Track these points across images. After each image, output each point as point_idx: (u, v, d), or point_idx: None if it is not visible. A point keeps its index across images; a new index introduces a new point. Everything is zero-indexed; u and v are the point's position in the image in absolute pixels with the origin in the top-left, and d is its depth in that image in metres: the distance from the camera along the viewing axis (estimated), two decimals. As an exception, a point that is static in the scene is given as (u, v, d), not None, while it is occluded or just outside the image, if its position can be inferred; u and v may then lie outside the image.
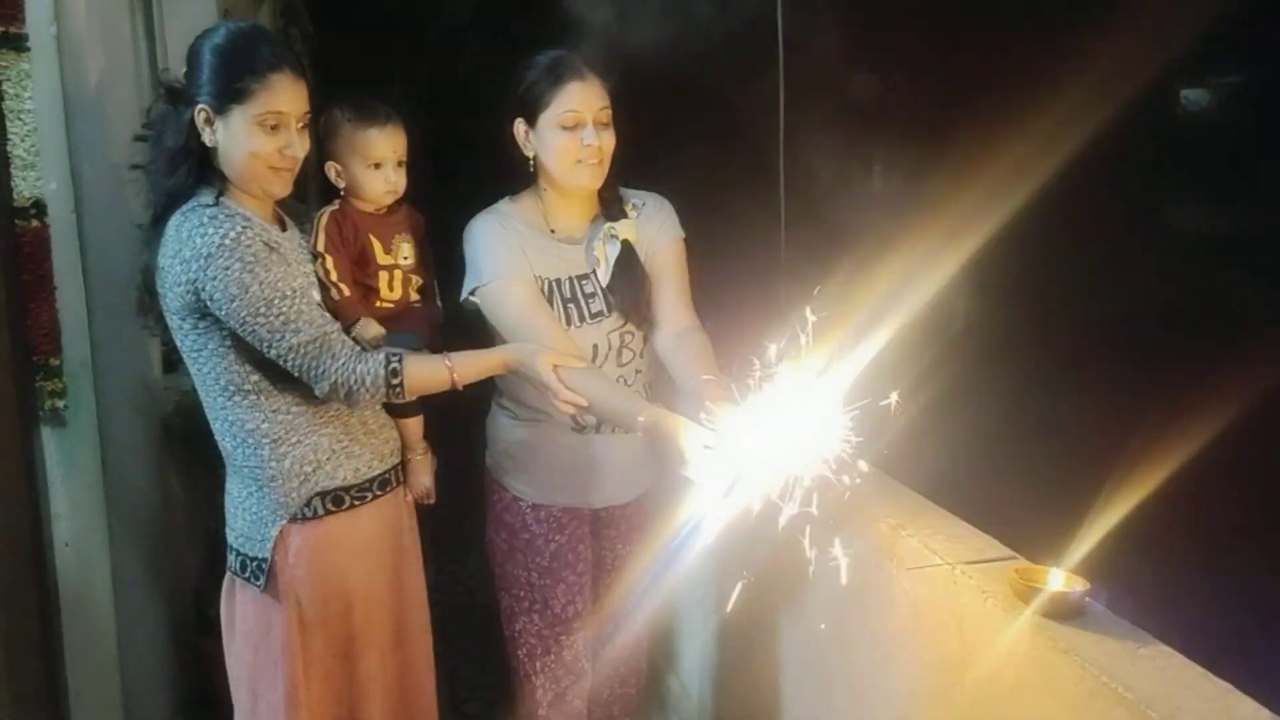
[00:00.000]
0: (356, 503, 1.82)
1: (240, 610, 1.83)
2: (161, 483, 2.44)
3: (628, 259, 1.99)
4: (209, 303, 1.62)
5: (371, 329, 1.79)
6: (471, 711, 2.86)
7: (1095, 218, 1.86)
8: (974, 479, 1.89)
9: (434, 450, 2.04)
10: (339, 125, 1.83)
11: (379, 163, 1.84)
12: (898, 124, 2.49)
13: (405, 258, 1.89)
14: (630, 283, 2.00)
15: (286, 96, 1.66)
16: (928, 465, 1.70)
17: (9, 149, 1.91)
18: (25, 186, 1.94)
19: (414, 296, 1.91)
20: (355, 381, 1.66)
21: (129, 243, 1.85)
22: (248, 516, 1.78)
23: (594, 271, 2.00)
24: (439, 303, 2.01)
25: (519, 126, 1.93)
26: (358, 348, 1.70)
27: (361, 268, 1.84)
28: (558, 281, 1.97)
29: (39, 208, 1.96)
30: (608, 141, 1.91)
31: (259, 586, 1.77)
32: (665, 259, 2.03)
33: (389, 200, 1.88)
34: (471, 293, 1.93)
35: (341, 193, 1.88)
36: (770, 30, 2.52)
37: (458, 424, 2.16)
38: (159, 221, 1.66)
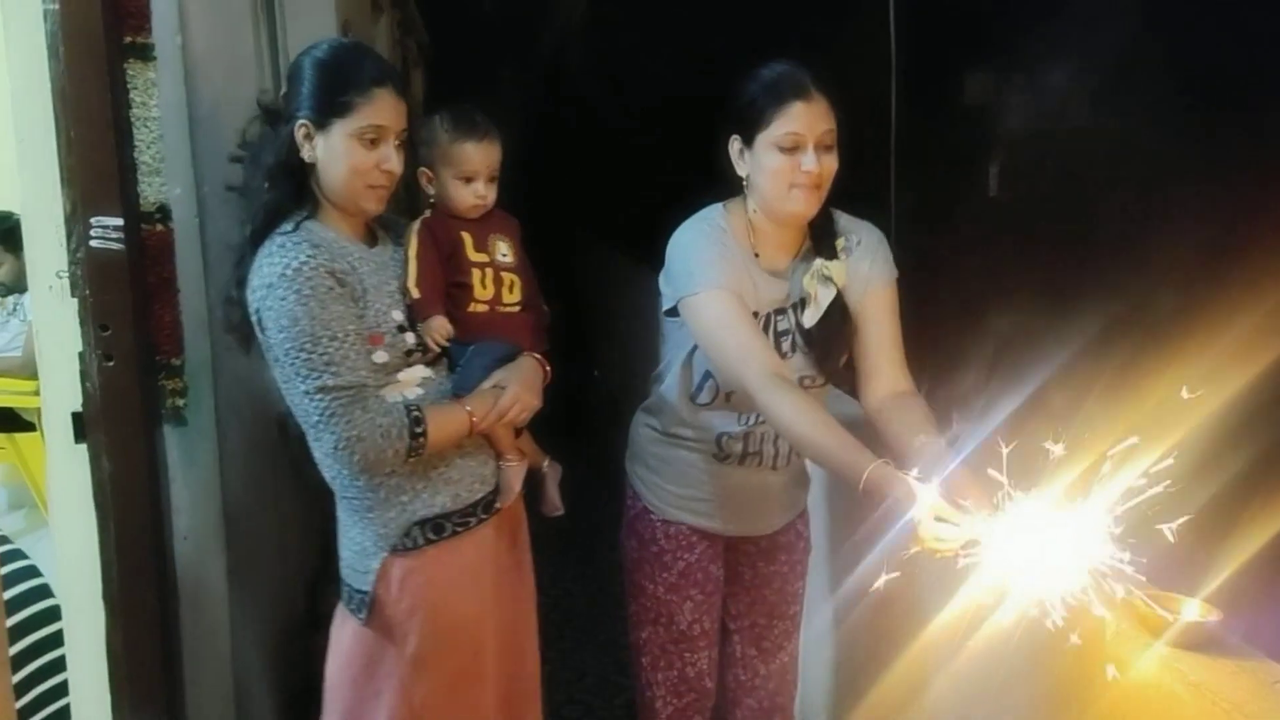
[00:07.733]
0: (459, 529, 1.78)
1: (346, 640, 1.80)
2: (275, 480, 2.50)
3: (834, 307, 1.85)
4: (263, 332, 1.63)
5: (438, 324, 1.77)
6: (570, 716, 2.86)
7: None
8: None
9: (555, 460, 2.03)
10: (436, 135, 1.84)
11: (470, 176, 1.84)
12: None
13: (503, 254, 1.89)
14: (831, 335, 1.87)
15: (387, 112, 1.67)
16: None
17: (135, 155, 1.98)
18: (151, 192, 2.00)
19: (508, 298, 1.89)
20: (381, 433, 1.61)
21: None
22: (353, 547, 1.77)
23: (792, 308, 1.88)
24: (545, 306, 1.99)
25: (734, 144, 1.83)
26: (385, 405, 1.65)
27: (454, 266, 1.84)
28: (754, 315, 1.83)
29: (163, 212, 2.02)
30: (829, 166, 1.76)
31: (361, 620, 1.74)
32: (878, 303, 1.87)
33: (475, 214, 1.88)
34: (677, 301, 1.81)
35: (432, 200, 1.89)
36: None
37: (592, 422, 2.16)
38: (259, 238, 1.66)
